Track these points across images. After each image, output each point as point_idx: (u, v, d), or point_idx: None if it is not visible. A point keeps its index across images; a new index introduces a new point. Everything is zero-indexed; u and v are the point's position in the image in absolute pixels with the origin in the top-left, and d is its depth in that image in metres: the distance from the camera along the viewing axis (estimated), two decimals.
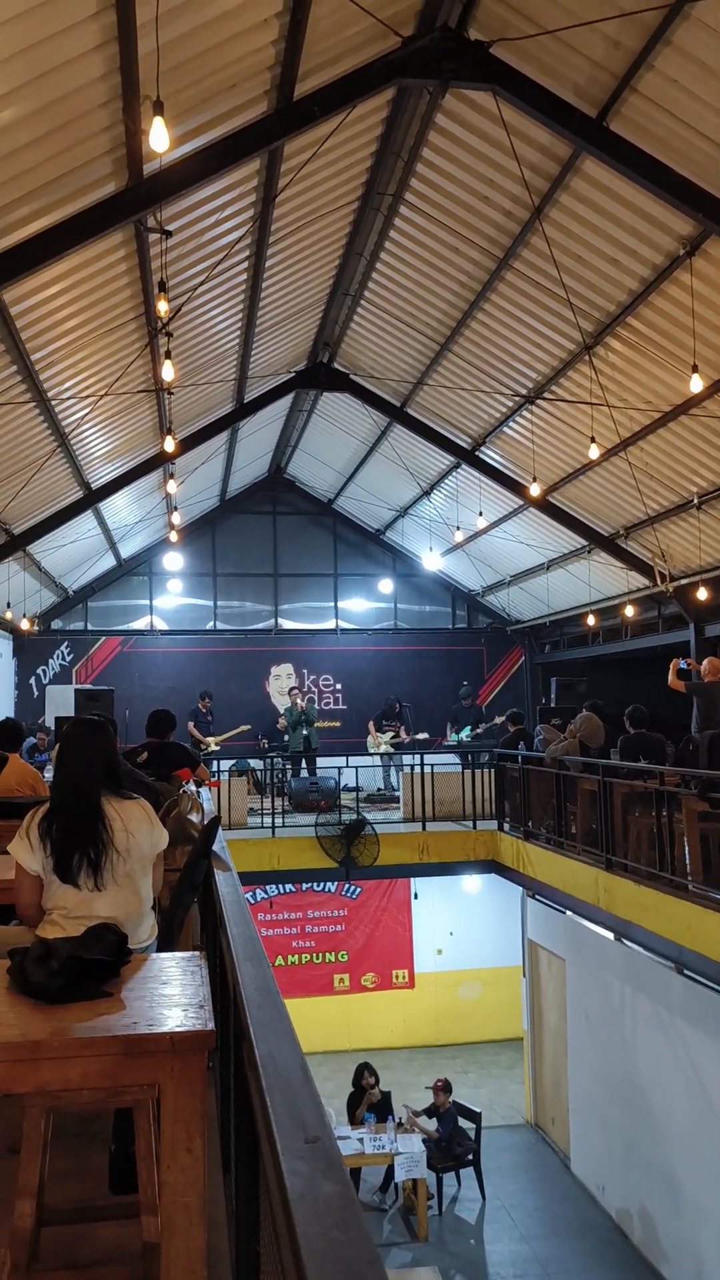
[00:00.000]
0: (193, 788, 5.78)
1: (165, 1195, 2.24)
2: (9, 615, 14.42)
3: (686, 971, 8.80)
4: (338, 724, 18.90)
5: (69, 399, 10.00)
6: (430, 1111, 11.89)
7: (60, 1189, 3.40)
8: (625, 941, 9.90)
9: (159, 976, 2.71)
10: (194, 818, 4.70)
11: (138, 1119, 2.91)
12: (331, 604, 19.88)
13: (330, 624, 19.82)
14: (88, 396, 10.03)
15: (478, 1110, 12.17)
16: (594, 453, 9.91)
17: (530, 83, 7.21)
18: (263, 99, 7.03)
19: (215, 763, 14.79)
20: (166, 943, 3.83)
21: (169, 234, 7.24)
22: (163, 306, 6.37)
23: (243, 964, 2.05)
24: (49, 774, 9.20)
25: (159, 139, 4.81)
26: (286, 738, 16.59)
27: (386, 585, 19.91)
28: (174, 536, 14.67)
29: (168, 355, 7.45)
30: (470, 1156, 11.73)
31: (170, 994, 2.53)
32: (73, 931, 3.21)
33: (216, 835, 3.92)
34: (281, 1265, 1.18)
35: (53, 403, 9.70)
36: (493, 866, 12.80)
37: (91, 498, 13.23)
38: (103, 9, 5.43)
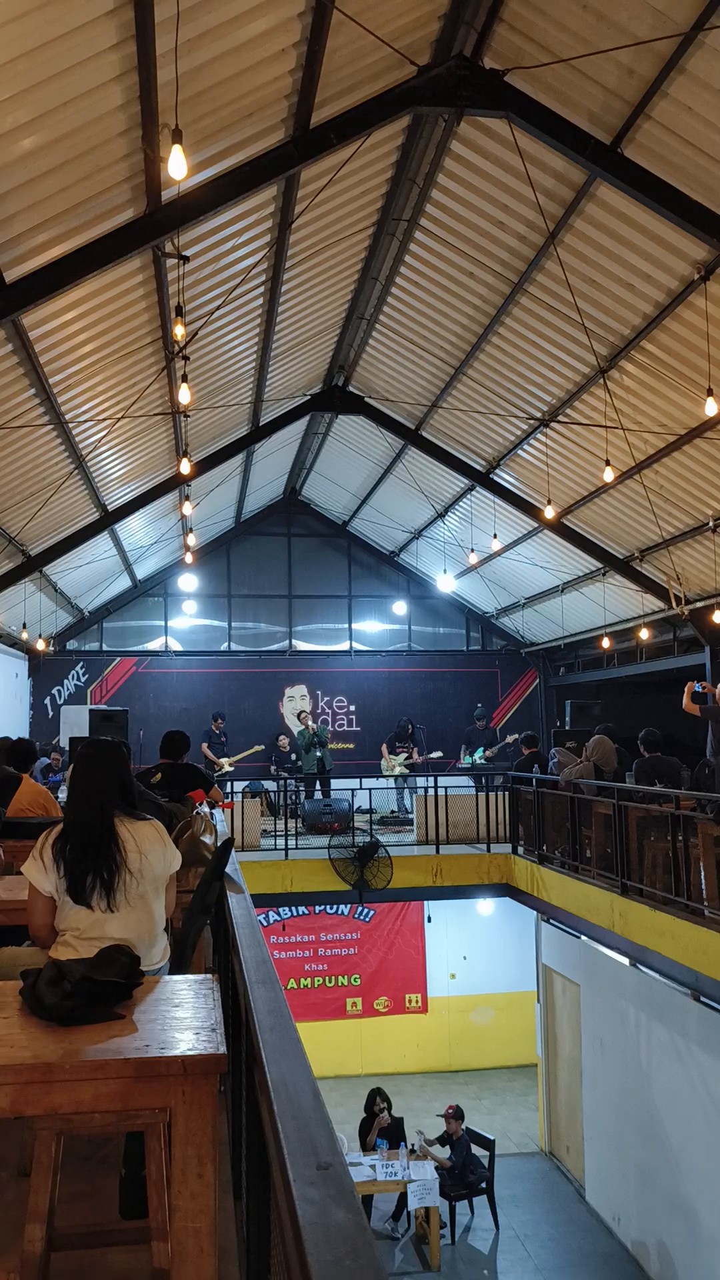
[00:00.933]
0: (206, 809, 5.78)
1: (176, 1220, 2.22)
2: (25, 635, 14.49)
3: (703, 999, 8.70)
4: (350, 745, 18.88)
5: (86, 422, 10.08)
6: (443, 1140, 11.77)
7: (70, 1213, 3.38)
8: (641, 967, 9.81)
9: (171, 999, 2.70)
10: (207, 839, 4.69)
11: (149, 1143, 2.90)
12: (346, 625, 19.90)
13: (344, 645, 19.83)
14: (105, 419, 10.11)
15: (491, 1138, 12.03)
16: (608, 476, 9.91)
17: (545, 110, 7.28)
18: (280, 126, 7.12)
19: (229, 784, 14.77)
20: (179, 965, 3.82)
21: (187, 259, 7.32)
22: (179, 331, 6.43)
23: (255, 987, 2.04)
24: (63, 794, 9.23)
25: (177, 167, 4.87)
26: (294, 758, 16.57)
27: (400, 607, 19.93)
28: (189, 558, 14.74)
29: (184, 379, 7.51)
30: (483, 1185, 11.59)
31: (182, 1017, 2.52)
32: (85, 952, 3.20)
33: (229, 857, 3.91)
34: None
35: (70, 425, 9.78)
36: (507, 890, 12.71)
37: (108, 519, 13.32)
38: (123, 40, 5.52)
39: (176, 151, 4.84)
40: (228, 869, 3.90)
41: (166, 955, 3.64)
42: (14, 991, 2.74)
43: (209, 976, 2.96)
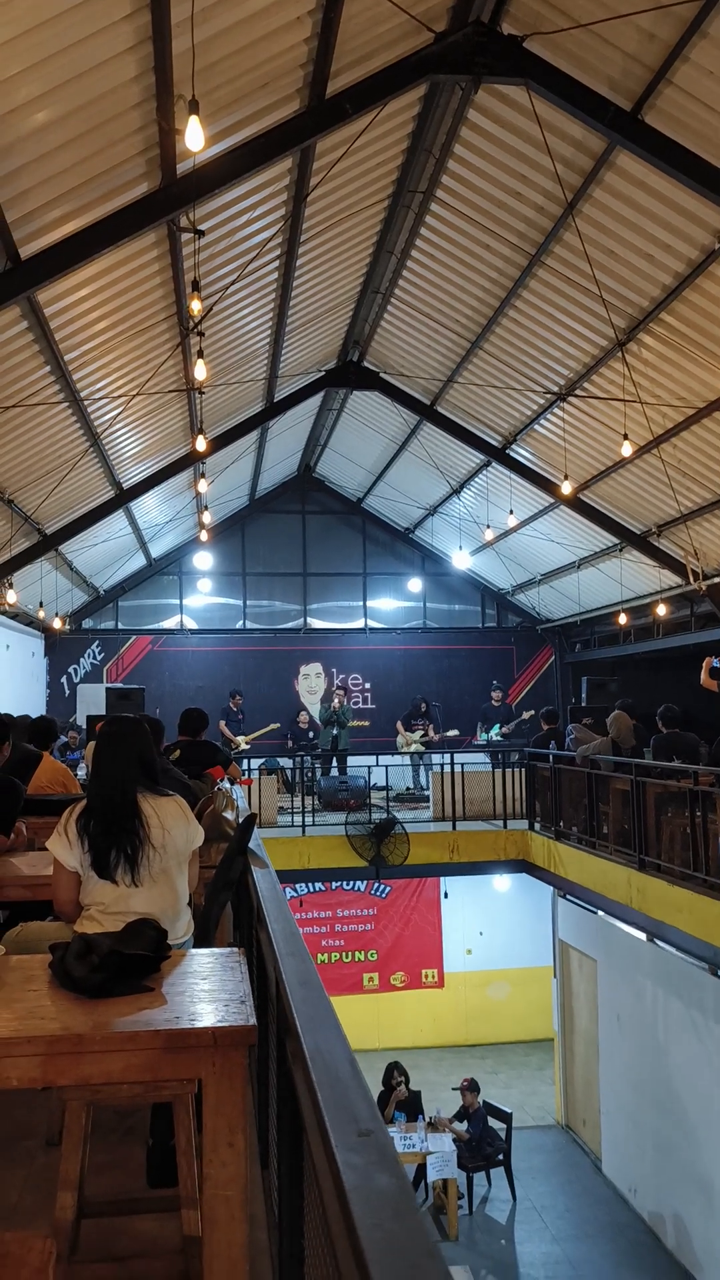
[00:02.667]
0: (228, 785, 5.80)
1: (207, 1189, 2.24)
2: (41, 614, 14.53)
3: None
4: (366, 723, 18.91)
5: (100, 399, 10.06)
6: (460, 1114, 11.86)
7: (98, 1182, 3.43)
8: (658, 942, 9.83)
9: (198, 972, 2.71)
10: (229, 815, 4.71)
11: (177, 1114, 2.92)
12: (360, 603, 19.87)
13: (359, 623, 19.81)
14: (119, 397, 10.08)
15: (508, 1111, 12.12)
16: (627, 450, 9.83)
17: (564, 76, 7.16)
18: (295, 97, 7.03)
19: (245, 761, 14.83)
20: (203, 939, 3.84)
21: (202, 234, 7.26)
22: (196, 306, 6.39)
23: (285, 959, 2.05)
24: (80, 772, 9.28)
25: (194, 138, 4.82)
26: (313, 735, 16.61)
27: (415, 584, 19.88)
28: (204, 536, 14.73)
29: (200, 355, 7.47)
30: (500, 1157, 11.69)
31: (210, 989, 2.54)
32: (110, 927, 3.23)
33: (253, 833, 3.92)
34: (336, 1258, 1.17)
35: (85, 403, 9.76)
36: (523, 866, 12.74)
37: (123, 497, 13.32)
38: (137, 9, 5.46)
39: (194, 123, 4.79)
40: (250, 845, 3.91)
41: (190, 930, 3.66)
42: (43, 965, 2.76)
43: (235, 950, 2.98)
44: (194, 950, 3.09)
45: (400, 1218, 0.98)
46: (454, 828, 12.96)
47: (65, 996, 2.50)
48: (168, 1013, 2.36)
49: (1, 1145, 3.84)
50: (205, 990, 2.54)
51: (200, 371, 7.28)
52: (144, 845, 3.37)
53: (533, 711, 15.92)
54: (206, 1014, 2.34)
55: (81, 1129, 2.84)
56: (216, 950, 3.14)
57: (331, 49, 6.64)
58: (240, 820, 4.47)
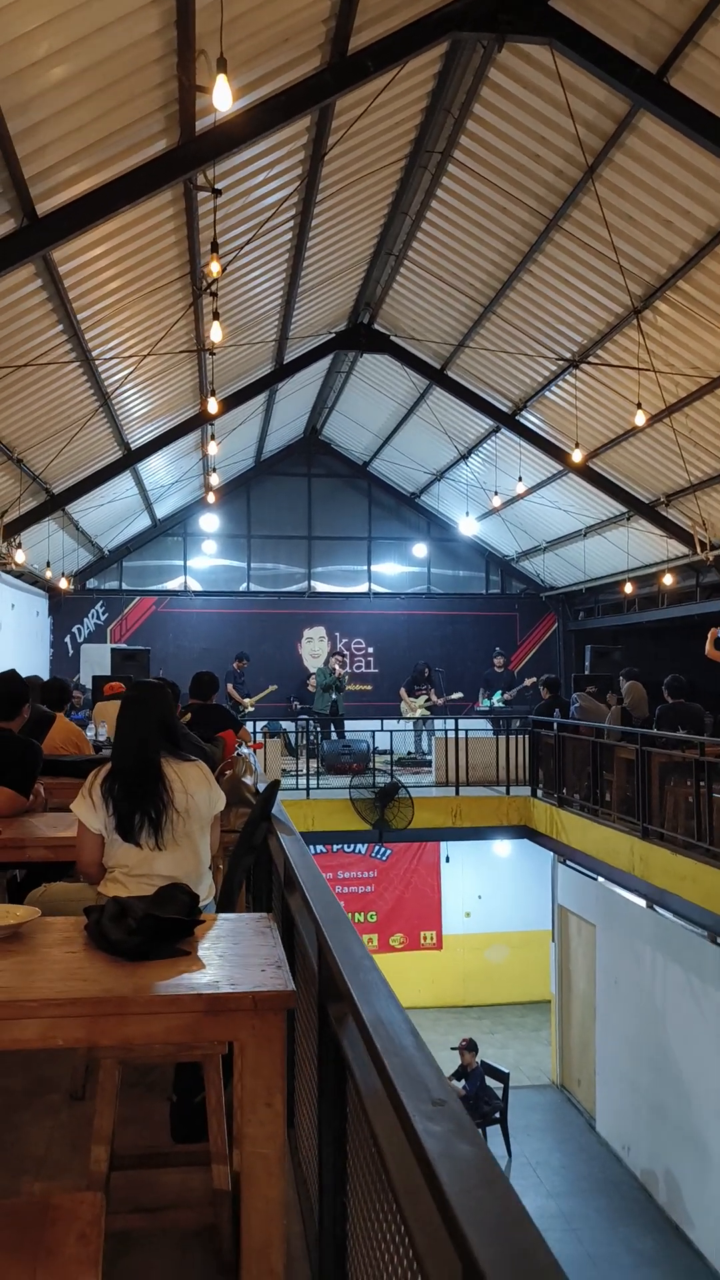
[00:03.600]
0: (246, 750, 5.85)
1: (245, 1147, 2.30)
2: (49, 574, 14.52)
3: None
4: (369, 688, 18.97)
5: (111, 359, 9.98)
6: (458, 1073, 12.07)
7: (123, 1135, 3.51)
8: (658, 909, 9.96)
9: (232, 936, 2.76)
10: (248, 780, 4.76)
11: (207, 1073, 2.98)
12: (365, 567, 19.86)
13: (363, 587, 19.81)
14: (130, 357, 10.01)
15: (505, 1070, 12.34)
16: (640, 419, 9.77)
17: (589, 36, 7.04)
18: (316, 53, 6.92)
19: (252, 724, 14.90)
20: (227, 903, 3.90)
21: (219, 193, 7.17)
22: (215, 267, 6.33)
23: (328, 926, 2.09)
24: (89, 733, 9.33)
25: (222, 98, 4.75)
26: (315, 697, 16.67)
27: (420, 549, 19.84)
28: (212, 498, 14.68)
29: (216, 316, 7.41)
30: (497, 1115, 11.92)
31: (244, 954, 2.58)
32: (134, 889, 3.28)
33: (276, 798, 3.97)
34: (406, 1223, 1.21)
35: (96, 363, 9.69)
36: (525, 832, 12.86)
37: (130, 458, 13.25)
38: None
39: (221, 81, 4.72)
40: (273, 811, 3.96)
41: (213, 893, 3.72)
42: (77, 927, 2.80)
43: (265, 915, 3.03)
44: (223, 915, 3.14)
45: (490, 1186, 1.02)
46: (457, 793, 13.06)
47: (103, 959, 2.54)
48: (206, 976, 2.41)
49: (26, 1099, 3.93)
50: (240, 954, 2.59)
51: (216, 333, 7.22)
52: (167, 809, 3.43)
53: (535, 679, 15.98)
54: (245, 978, 2.38)
55: (115, 1085, 2.91)
56: (245, 915, 3.19)
57: (355, 4, 6.52)
58: (260, 786, 4.52)
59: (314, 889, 2.52)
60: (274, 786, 3.92)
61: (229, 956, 2.58)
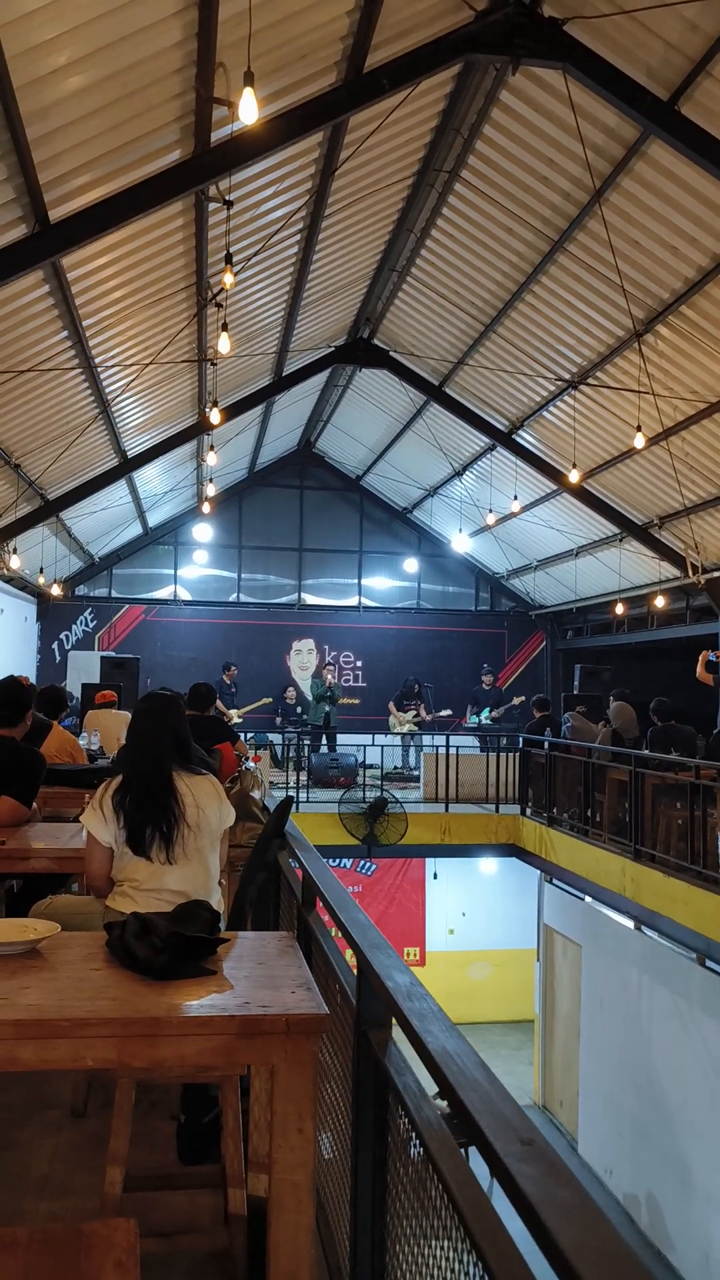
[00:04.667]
0: (252, 765, 5.81)
1: (276, 1172, 2.26)
2: (41, 580, 14.44)
3: (709, 963, 8.85)
4: (356, 701, 18.94)
5: (113, 367, 9.96)
6: (440, 1092, 11.99)
7: (127, 1156, 3.46)
8: (646, 930, 9.95)
9: (256, 956, 2.73)
10: (255, 794, 4.72)
11: (225, 1094, 2.95)
12: (355, 581, 19.85)
13: (353, 600, 19.80)
14: (132, 365, 9.98)
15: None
16: (639, 442, 9.83)
17: (603, 62, 7.09)
18: (332, 70, 6.94)
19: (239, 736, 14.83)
20: (238, 921, 3.86)
21: (230, 204, 7.17)
22: (229, 280, 6.32)
23: (370, 951, 2.06)
24: (81, 740, 9.24)
25: (248, 110, 4.75)
26: (300, 710, 16.61)
27: (411, 564, 19.86)
28: (207, 508, 14.65)
29: (225, 328, 7.41)
30: None
31: (274, 975, 2.55)
32: (143, 903, 3.24)
33: (289, 815, 3.94)
34: (486, 1267, 1.18)
35: (98, 370, 9.66)
36: (514, 851, 12.84)
37: (126, 466, 13.21)
38: None
39: (248, 95, 4.72)
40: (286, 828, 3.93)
41: (221, 909, 3.68)
42: (98, 942, 2.76)
43: (286, 934, 3.00)
44: (242, 934, 3.11)
45: (600, 1234, 1.00)
46: (446, 809, 13.03)
47: (130, 977, 2.50)
48: (236, 997, 2.38)
49: (27, 1116, 3.87)
50: (268, 975, 2.55)
51: (224, 344, 7.21)
52: (179, 823, 3.38)
53: (523, 698, 16.00)
54: (275, 1000, 2.35)
55: (130, 1105, 2.86)
56: (266, 934, 3.16)
57: (373, 22, 6.55)
58: (264, 801, 4.48)
59: (345, 909, 2.49)
60: (287, 803, 3.89)
61: (256, 977, 2.54)
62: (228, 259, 6.40)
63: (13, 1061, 2.22)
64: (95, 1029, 2.21)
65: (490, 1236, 1.22)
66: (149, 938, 2.64)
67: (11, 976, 2.46)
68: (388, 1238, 1.91)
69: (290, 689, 17.38)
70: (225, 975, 2.55)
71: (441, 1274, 1.53)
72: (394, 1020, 1.85)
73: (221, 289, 7.39)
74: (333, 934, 3.08)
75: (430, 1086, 2.02)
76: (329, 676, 16.11)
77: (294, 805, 12.55)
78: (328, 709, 15.88)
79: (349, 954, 2.80)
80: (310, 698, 16.40)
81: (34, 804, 4.95)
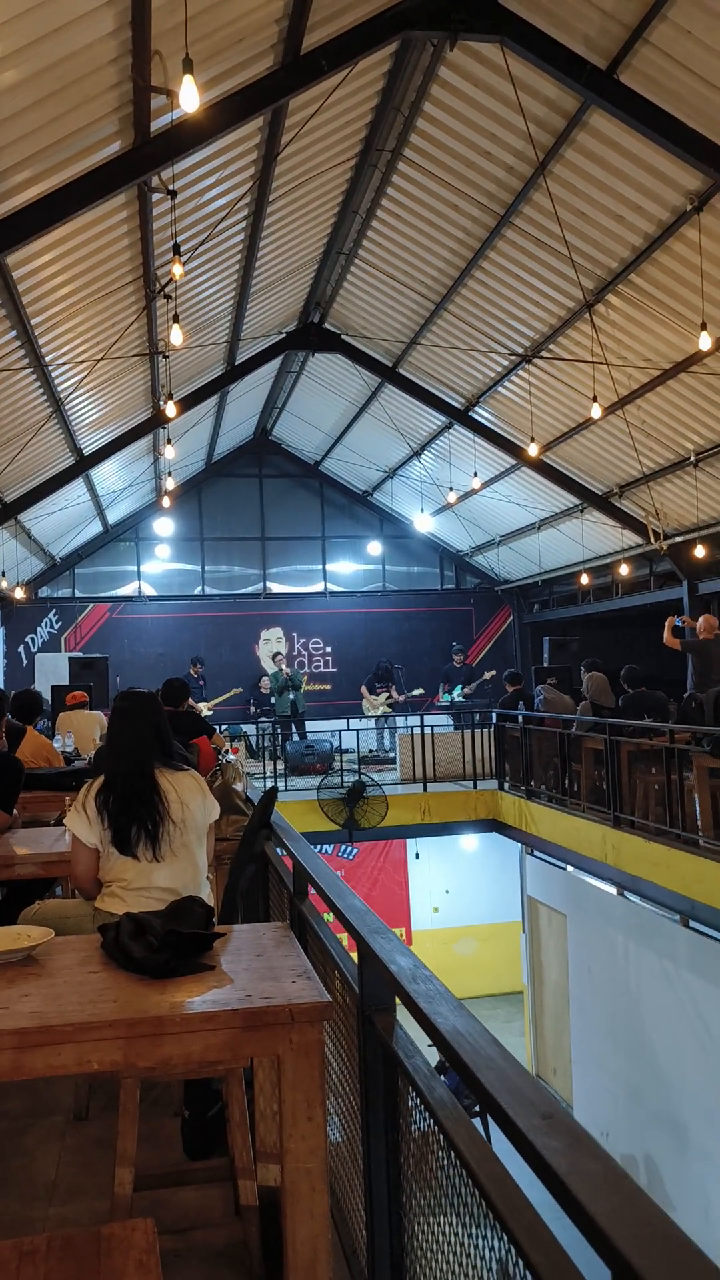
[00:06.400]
0: (232, 757, 5.80)
1: (288, 1162, 2.27)
2: (3, 583, 14.27)
3: (693, 924, 8.97)
4: (328, 687, 18.93)
5: (64, 364, 9.83)
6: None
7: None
8: (628, 896, 10.07)
9: (253, 948, 2.72)
10: (237, 787, 4.71)
11: (230, 1087, 2.95)
12: (320, 567, 19.82)
13: (319, 587, 19.77)
14: (84, 361, 9.86)
15: None
16: (596, 412, 9.87)
17: (540, 34, 7.09)
18: (269, 53, 6.88)
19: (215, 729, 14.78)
20: (230, 914, 3.86)
21: (174, 194, 7.09)
22: (177, 270, 6.25)
23: (371, 936, 2.07)
24: (55, 743, 9.18)
25: (189, 99, 4.69)
26: (274, 700, 16.62)
27: (375, 547, 19.86)
28: (167, 502, 14.54)
29: (176, 319, 7.33)
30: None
31: (271, 966, 2.55)
32: (133, 903, 3.23)
33: (274, 806, 3.94)
34: (518, 1240, 1.20)
35: (49, 368, 9.53)
36: (494, 826, 12.93)
37: (83, 464, 13.07)
38: None
39: (188, 82, 4.65)
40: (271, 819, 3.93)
41: (211, 903, 3.67)
42: (93, 945, 2.75)
43: (281, 924, 3.00)
44: (237, 926, 3.10)
45: (634, 1204, 1.01)
46: (425, 789, 13.09)
47: (128, 978, 2.49)
48: (239, 991, 2.37)
49: (29, 1122, 3.85)
50: (267, 967, 2.55)
51: (177, 336, 7.14)
52: (164, 820, 3.38)
53: (494, 672, 16.08)
54: (277, 991, 2.35)
55: (136, 1104, 2.86)
56: (260, 925, 3.16)
57: (308, 3, 6.49)
58: (251, 794, 4.48)
59: (340, 896, 2.49)
60: (272, 794, 3.89)
61: (255, 969, 2.54)
62: (175, 250, 6.33)
63: (18, 1070, 2.21)
64: (99, 1032, 2.20)
65: (515, 1210, 1.23)
66: (145, 937, 2.63)
67: (10, 985, 2.44)
68: (404, 1218, 1.92)
69: (265, 679, 17.35)
70: (224, 969, 2.54)
71: (464, 1250, 1.54)
72: (399, 1003, 1.86)
73: (170, 280, 7.32)
74: (326, 919, 3.09)
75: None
76: (284, 667, 16.13)
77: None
78: (292, 696, 15.87)
79: (343, 938, 2.82)
80: (272, 689, 16.38)
81: (13, 810, 4.91)
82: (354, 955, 2.55)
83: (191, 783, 3.56)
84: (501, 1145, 1.62)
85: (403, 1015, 2.12)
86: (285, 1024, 2.26)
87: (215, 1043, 2.27)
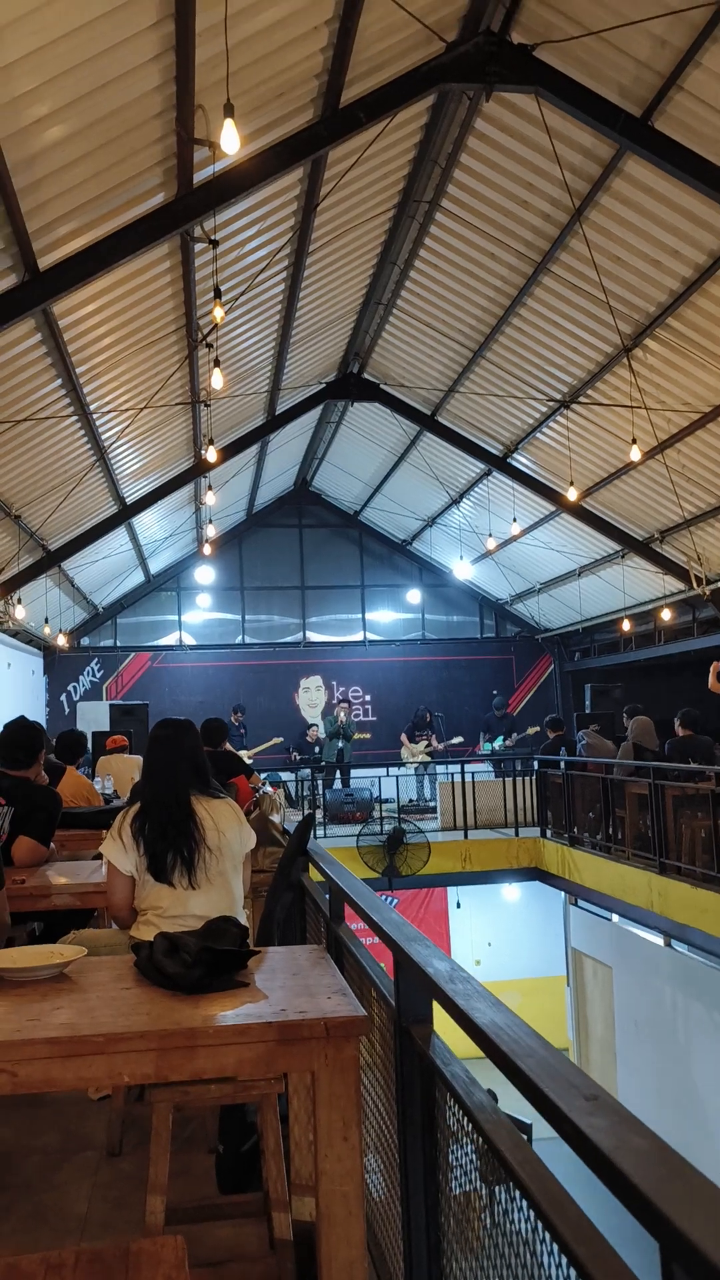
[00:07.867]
0: (269, 789, 5.76)
1: (323, 1185, 2.20)
2: (47, 631, 14.45)
3: None
4: (368, 735, 18.85)
5: (108, 412, 10.04)
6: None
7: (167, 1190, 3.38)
8: (676, 945, 9.81)
9: (288, 968, 2.68)
10: (274, 818, 4.68)
11: (264, 1115, 2.88)
12: (359, 616, 19.86)
13: (358, 635, 19.79)
14: (127, 409, 10.06)
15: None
16: (635, 455, 9.86)
17: (574, 84, 7.22)
18: (309, 106, 7.07)
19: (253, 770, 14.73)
20: (266, 940, 3.80)
21: (216, 244, 7.26)
22: (219, 313, 6.38)
23: (407, 944, 2.02)
24: (96, 784, 9.20)
25: (229, 141, 4.83)
26: (319, 749, 16.54)
27: (414, 595, 19.87)
28: (208, 550, 14.70)
29: (217, 363, 7.47)
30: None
31: (308, 984, 2.50)
32: (169, 931, 3.19)
33: (310, 834, 3.90)
34: (562, 1237, 1.13)
35: (94, 416, 9.73)
36: (536, 874, 12.71)
37: (126, 512, 13.27)
38: (162, 18, 5.47)
39: (229, 126, 4.79)
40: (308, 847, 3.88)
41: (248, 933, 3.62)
42: (128, 965, 2.72)
43: (317, 947, 2.95)
44: (273, 948, 3.05)
45: (683, 1176, 0.96)
46: (465, 835, 12.91)
47: (163, 994, 2.46)
48: (273, 1005, 2.33)
49: (63, 1157, 3.79)
50: (302, 985, 2.50)
51: (218, 380, 7.27)
52: (200, 848, 3.35)
53: (538, 727, 15.91)
54: (312, 1006, 2.30)
55: (168, 1132, 2.79)
56: (296, 948, 3.10)
57: (347, 58, 6.67)
58: (289, 826, 4.43)
59: (377, 910, 2.44)
60: (309, 821, 3.85)
61: (290, 987, 2.49)
62: (216, 294, 6.46)
63: (49, 1082, 2.17)
64: (131, 1043, 2.16)
65: (573, 1226, 1.16)
66: (179, 955, 2.60)
67: (43, 999, 2.41)
68: (443, 1240, 1.84)
69: (314, 728, 17.29)
70: (259, 986, 2.50)
71: (505, 1262, 1.47)
72: (435, 1009, 1.80)
73: (213, 327, 7.48)
74: (364, 943, 3.04)
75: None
76: (341, 714, 16.05)
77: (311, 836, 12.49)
78: (341, 744, 15.80)
79: (383, 966, 2.76)
80: (324, 735, 16.32)
81: (51, 844, 4.91)
82: (392, 977, 2.49)
83: (228, 810, 3.54)
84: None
85: (440, 1027, 2.06)
86: (320, 1038, 2.21)
87: (249, 1056, 2.22)
